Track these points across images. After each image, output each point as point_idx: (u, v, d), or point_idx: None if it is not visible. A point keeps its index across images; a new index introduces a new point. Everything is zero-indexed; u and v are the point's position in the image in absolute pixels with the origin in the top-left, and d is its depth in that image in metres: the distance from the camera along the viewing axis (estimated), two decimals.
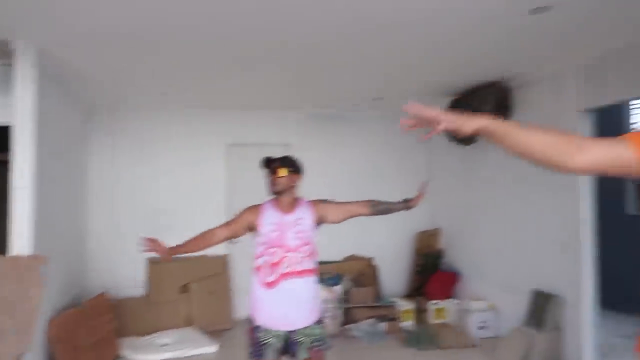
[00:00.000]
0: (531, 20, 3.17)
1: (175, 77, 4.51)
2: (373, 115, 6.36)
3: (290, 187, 2.67)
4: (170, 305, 5.35)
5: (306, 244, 2.61)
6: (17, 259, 3.30)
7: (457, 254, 5.94)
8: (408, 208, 2.83)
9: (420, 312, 5.61)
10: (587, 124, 4.04)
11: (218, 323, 5.46)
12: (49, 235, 3.79)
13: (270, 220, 2.62)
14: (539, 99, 4.59)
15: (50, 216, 3.89)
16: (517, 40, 3.63)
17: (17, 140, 3.47)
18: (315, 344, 2.60)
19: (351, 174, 6.31)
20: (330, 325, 5.23)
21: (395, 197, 6.55)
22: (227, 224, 2.67)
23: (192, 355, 4.63)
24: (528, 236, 4.71)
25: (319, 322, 2.67)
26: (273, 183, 2.64)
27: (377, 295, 5.75)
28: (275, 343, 2.56)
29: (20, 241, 3.39)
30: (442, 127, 1.45)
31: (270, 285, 2.55)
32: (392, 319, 5.42)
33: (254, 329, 2.61)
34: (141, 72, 4.34)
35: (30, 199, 3.45)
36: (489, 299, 5.21)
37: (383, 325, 5.29)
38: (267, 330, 2.56)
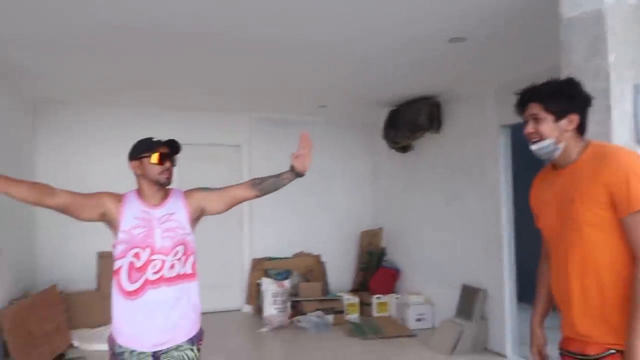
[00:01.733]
0: (450, 47, 3.63)
1: (124, 77, 4.57)
2: (319, 121, 6.65)
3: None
4: None
5: (179, 244, 2.12)
6: None
7: (398, 251, 6.36)
8: (298, 175, 2.31)
9: (364, 306, 5.99)
10: (504, 137, 4.61)
11: None
12: (2, 227, 3.85)
13: (133, 214, 2.10)
14: (465, 113, 5.12)
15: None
16: (440, 63, 4.09)
17: None
18: None
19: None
20: (280, 317, 5.52)
21: (344, 201, 6.93)
22: (76, 193, 2.05)
23: None
24: (458, 236, 5.19)
25: (194, 341, 2.17)
26: (161, 173, 2.10)
27: (325, 290, 6.08)
28: None
29: None
30: None
31: (132, 295, 2.05)
32: (338, 311, 5.77)
33: (115, 357, 2.10)
34: (88, 72, 4.37)
35: None
36: (426, 293, 5.65)
37: (330, 318, 5.62)
38: (131, 354, 2.07)
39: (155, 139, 2.15)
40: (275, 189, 2.31)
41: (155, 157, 2.09)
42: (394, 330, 5.39)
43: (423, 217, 5.80)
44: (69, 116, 5.72)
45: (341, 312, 5.80)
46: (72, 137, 5.72)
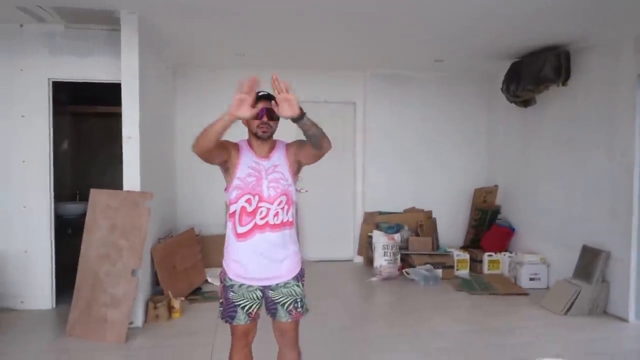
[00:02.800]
0: None
1: (251, 39, 4.95)
2: (434, 76, 6.57)
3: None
4: None
5: (283, 194, 2.28)
6: (129, 193, 4.02)
7: (513, 210, 6.17)
8: (294, 120, 2.12)
9: (474, 263, 5.98)
10: None
11: None
12: (150, 176, 4.48)
13: (247, 163, 2.28)
14: (597, 63, 4.71)
15: (150, 160, 4.57)
16: (571, 8, 3.76)
17: (125, 95, 4.11)
18: (295, 305, 2.35)
19: (412, 133, 6.61)
20: (390, 268, 5.74)
21: (457, 157, 6.81)
22: None
23: None
24: (580, 196, 4.92)
25: (298, 278, 2.38)
26: (258, 126, 2.25)
27: (434, 245, 6.15)
28: (249, 304, 2.31)
29: (130, 180, 4.09)
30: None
31: (243, 236, 2.25)
32: (447, 267, 5.83)
33: (226, 289, 2.33)
34: (222, 35, 4.81)
35: (136, 146, 4.12)
36: (541, 253, 5.47)
37: (439, 272, 5.71)
38: (240, 287, 2.30)
39: (259, 93, 2.22)
40: (310, 139, 2.18)
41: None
42: (504, 287, 5.34)
43: (542, 174, 5.54)
44: (201, 77, 6.30)
45: (451, 267, 5.85)
46: (204, 94, 6.30)
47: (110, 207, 4.00)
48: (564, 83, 4.98)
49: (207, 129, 2.10)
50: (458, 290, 5.31)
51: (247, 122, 2.29)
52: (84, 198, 6.03)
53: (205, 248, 5.77)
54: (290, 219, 2.35)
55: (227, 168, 2.31)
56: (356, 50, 5.45)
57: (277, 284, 2.32)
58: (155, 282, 4.70)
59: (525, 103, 5.60)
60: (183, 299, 4.56)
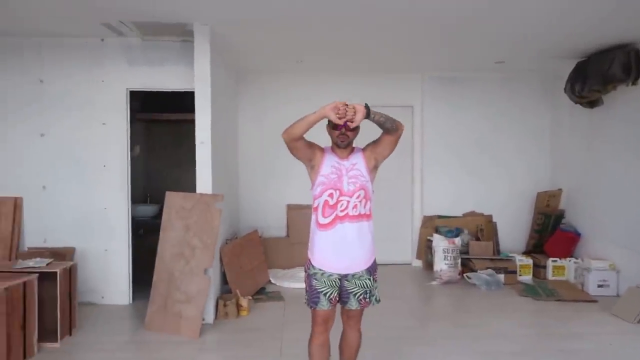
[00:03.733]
0: None
1: (310, 46, 5.08)
2: (493, 77, 6.50)
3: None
4: (306, 246, 6.19)
5: (361, 189, 2.59)
6: (202, 195, 4.23)
7: (579, 214, 5.98)
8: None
9: (538, 268, 5.84)
10: None
11: None
12: (219, 179, 4.70)
13: (330, 163, 2.63)
14: None
15: (219, 164, 4.79)
16: None
17: (198, 102, 4.34)
18: (365, 296, 2.64)
19: (471, 135, 6.55)
20: (451, 272, 5.71)
21: (519, 160, 6.68)
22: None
23: None
24: None
25: (371, 271, 2.68)
26: (337, 136, 2.60)
27: (495, 250, 6.07)
28: (330, 291, 2.59)
29: (203, 182, 4.31)
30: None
31: (326, 227, 2.58)
32: (510, 272, 5.73)
33: (310, 277, 2.65)
34: (283, 43, 4.97)
35: (208, 150, 4.33)
36: (610, 259, 5.27)
37: (501, 277, 5.63)
38: (322, 275, 2.60)
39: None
40: (384, 126, 2.56)
41: (331, 124, 2.59)
42: (571, 294, 5.19)
43: (610, 177, 5.35)
44: (261, 82, 6.51)
45: (513, 272, 5.75)
46: (263, 99, 6.52)
47: (184, 209, 4.22)
48: (634, 82, 4.81)
49: (298, 120, 2.48)
50: (522, 295, 5.21)
51: (330, 132, 2.66)
52: (154, 200, 6.41)
53: (267, 250, 5.95)
54: (368, 212, 2.64)
55: (312, 166, 2.66)
56: (414, 53, 5.48)
57: (352, 275, 2.62)
58: (224, 281, 4.91)
59: (592, 104, 5.45)
60: (250, 297, 4.73)
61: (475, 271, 5.69)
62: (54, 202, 4.75)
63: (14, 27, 4.40)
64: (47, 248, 4.66)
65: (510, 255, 5.99)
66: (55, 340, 3.74)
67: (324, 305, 2.60)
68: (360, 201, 2.59)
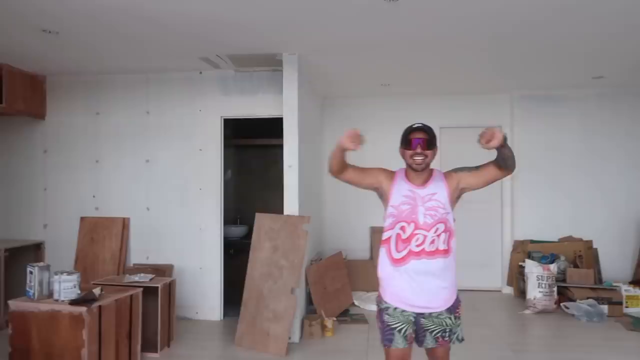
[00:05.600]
0: None
1: (396, 69, 5.14)
2: (592, 93, 6.12)
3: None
4: None
5: (440, 222, 2.30)
6: (289, 217, 4.39)
7: None
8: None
9: None
10: None
11: None
12: (305, 201, 4.84)
13: (401, 192, 2.36)
14: None
15: (305, 187, 4.94)
16: None
17: (286, 128, 4.54)
18: (444, 334, 2.36)
19: (567, 155, 6.19)
20: (546, 301, 5.37)
21: (621, 182, 6.21)
22: (359, 167, 2.46)
23: None
24: None
25: (452, 310, 2.38)
26: (411, 157, 2.33)
27: (597, 278, 5.63)
28: (405, 327, 2.34)
29: (290, 205, 4.48)
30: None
31: (398, 262, 2.33)
32: (614, 302, 5.27)
33: (381, 311, 2.41)
34: (369, 67, 5.07)
35: (295, 174, 4.50)
36: None
37: (604, 308, 5.20)
38: (395, 310, 2.35)
39: (413, 126, 2.38)
40: (505, 160, 2.32)
41: (406, 143, 2.35)
42: None
43: None
44: (347, 106, 6.65)
45: (618, 303, 5.28)
46: (349, 123, 6.53)
47: (273, 230, 4.40)
48: None
49: (330, 156, 2.38)
50: (630, 329, 4.77)
51: (402, 154, 2.41)
52: (244, 222, 6.71)
53: (351, 272, 5.98)
54: (447, 247, 2.33)
55: (381, 194, 2.46)
56: (502, 72, 5.33)
57: (430, 314, 2.35)
58: (309, 301, 5.00)
59: None
60: (334, 319, 4.78)
61: (574, 301, 5.31)
62: (156, 222, 5.16)
63: (127, 65, 4.92)
64: (149, 265, 5.06)
65: (615, 284, 5.52)
66: (156, 351, 4.03)
67: (399, 343, 2.33)
68: (438, 236, 2.30)
